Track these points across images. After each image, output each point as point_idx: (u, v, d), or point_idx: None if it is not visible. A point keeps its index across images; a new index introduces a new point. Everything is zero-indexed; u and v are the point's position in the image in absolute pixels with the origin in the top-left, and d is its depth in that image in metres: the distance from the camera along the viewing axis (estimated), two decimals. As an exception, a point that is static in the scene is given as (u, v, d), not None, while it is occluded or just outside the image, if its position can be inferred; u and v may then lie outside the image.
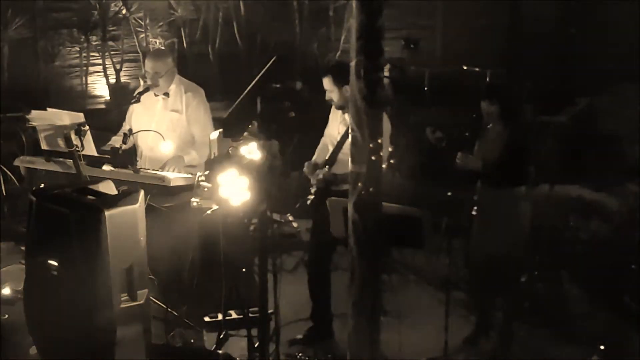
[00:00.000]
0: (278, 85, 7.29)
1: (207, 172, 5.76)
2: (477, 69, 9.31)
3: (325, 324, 6.38)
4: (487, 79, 8.99)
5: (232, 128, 5.71)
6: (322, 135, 6.56)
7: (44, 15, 10.72)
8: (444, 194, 6.53)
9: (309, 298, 6.41)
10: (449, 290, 5.83)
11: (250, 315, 5.53)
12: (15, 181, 6.63)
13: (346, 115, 6.25)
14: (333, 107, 6.43)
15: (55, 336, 4.88)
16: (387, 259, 5.55)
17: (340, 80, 5.95)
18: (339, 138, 6.27)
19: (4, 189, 6.87)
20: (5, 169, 6.48)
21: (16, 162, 6.44)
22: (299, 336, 6.34)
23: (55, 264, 4.75)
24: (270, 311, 5.21)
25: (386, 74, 9.19)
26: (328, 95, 6.21)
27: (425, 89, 9.94)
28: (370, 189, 4.31)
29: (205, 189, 5.63)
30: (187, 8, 10.93)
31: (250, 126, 5.31)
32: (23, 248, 5.75)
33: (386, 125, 5.58)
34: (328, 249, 6.25)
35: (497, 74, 8.97)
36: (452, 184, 6.35)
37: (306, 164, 6.37)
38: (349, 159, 4.42)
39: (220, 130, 5.88)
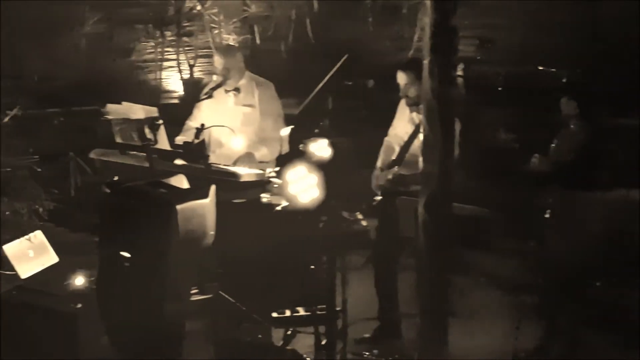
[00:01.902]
0: (350, 83, 7.28)
1: (277, 169, 5.77)
2: (553, 69, 9.17)
3: (393, 323, 6.35)
4: (564, 80, 8.86)
5: (303, 125, 5.72)
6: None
7: (120, 10, 10.85)
8: (516, 196, 6.46)
9: (377, 297, 6.40)
10: (518, 294, 5.77)
11: (318, 312, 5.53)
12: (90, 173, 6.71)
13: (414, 114, 6.22)
14: (400, 107, 6.40)
15: (126, 327, 4.94)
16: (456, 260, 5.50)
17: (419, 74, 5.93)
18: (406, 138, 6.24)
19: (79, 181, 6.97)
20: (80, 161, 6.58)
21: (91, 155, 6.53)
22: (367, 335, 6.33)
23: (127, 255, 4.80)
24: (338, 309, 5.21)
25: (459, 73, 9.12)
26: (404, 91, 6.17)
27: (500, 88, 9.83)
28: (441, 189, 4.29)
29: (275, 185, 5.64)
30: (260, 5, 10.98)
31: (321, 123, 5.31)
32: (96, 239, 5.83)
33: (457, 124, 5.54)
34: (396, 249, 6.23)
35: (574, 74, 8.84)
36: (524, 185, 6.28)
37: (372, 175, 6.36)
38: (419, 159, 4.40)
39: (292, 126, 5.89)
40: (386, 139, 6.55)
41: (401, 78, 6.21)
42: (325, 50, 10.80)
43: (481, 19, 11.28)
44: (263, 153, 6.44)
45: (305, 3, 10.97)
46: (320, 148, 5.04)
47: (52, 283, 5.84)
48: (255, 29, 10.95)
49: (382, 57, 11.18)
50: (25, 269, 5.93)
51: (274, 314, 6.23)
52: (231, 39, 10.68)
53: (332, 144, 4.99)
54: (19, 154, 6.65)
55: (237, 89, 6.58)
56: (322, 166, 4.97)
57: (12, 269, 5.99)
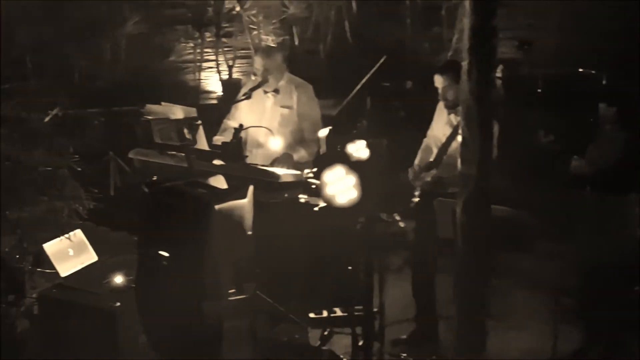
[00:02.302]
0: (388, 84, 7.27)
1: (315, 169, 5.77)
2: (593, 71, 9.11)
3: (430, 325, 6.34)
4: (604, 82, 8.79)
5: (341, 126, 5.72)
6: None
7: (160, 11, 10.92)
8: (554, 198, 6.42)
9: (414, 298, 6.39)
10: (557, 296, 5.73)
11: (355, 313, 5.53)
12: (129, 173, 6.76)
13: (452, 116, 6.20)
14: (438, 108, 6.39)
15: (164, 325, 4.97)
16: (494, 261, 5.48)
17: (458, 77, 5.92)
18: (444, 140, 6.22)
19: (119, 181, 7.02)
20: (120, 161, 6.63)
21: (130, 154, 6.57)
22: (404, 336, 6.32)
23: (166, 254, 4.83)
24: (375, 310, 5.21)
25: (498, 74, 9.09)
26: (442, 94, 6.16)
27: (539, 90, 9.77)
28: (479, 191, 4.27)
29: (313, 186, 5.65)
30: (299, 6, 11.00)
31: (359, 124, 5.31)
32: (135, 238, 5.87)
33: (495, 126, 5.52)
34: (433, 250, 6.21)
35: (614, 76, 8.76)
36: (562, 188, 6.24)
37: (410, 170, 6.35)
38: (458, 161, 4.39)
39: (330, 127, 5.89)
40: (425, 139, 6.54)
41: (438, 81, 6.20)
42: (364, 52, 10.81)
43: (521, 20, 11.24)
44: (301, 155, 6.45)
45: (344, 4, 10.98)
46: (358, 149, 5.03)
47: (92, 281, 5.89)
48: (294, 30, 10.97)
49: (421, 58, 11.17)
50: (65, 268, 5.99)
51: (312, 315, 6.25)
52: (270, 40, 10.71)
53: (370, 145, 4.99)
54: (59, 153, 6.69)
55: (276, 90, 6.60)
56: (360, 167, 4.96)
57: (52, 267, 6.05)
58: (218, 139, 6.44)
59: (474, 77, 4.18)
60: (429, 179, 6.16)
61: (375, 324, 5.30)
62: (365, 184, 4.89)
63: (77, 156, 6.60)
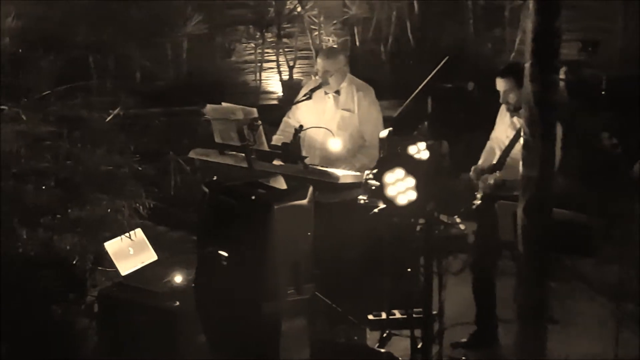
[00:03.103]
0: (449, 86, 7.21)
1: (375, 170, 5.75)
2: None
3: (489, 328, 6.28)
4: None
5: (401, 127, 5.68)
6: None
7: (221, 11, 10.97)
8: (618, 202, 6.31)
9: (474, 301, 6.34)
10: (619, 302, 5.64)
11: (414, 315, 5.49)
12: (189, 172, 6.81)
13: (515, 119, 6.13)
14: (501, 110, 6.32)
15: (223, 325, 4.99)
16: (555, 265, 5.41)
17: (520, 80, 5.84)
18: (507, 142, 6.15)
19: (179, 180, 7.07)
20: (180, 161, 6.67)
21: (190, 154, 6.61)
22: (463, 340, 6.27)
23: (225, 254, 4.84)
24: (434, 312, 5.17)
25: (562, 76, 8.97)
26: (504, 97, 6.10)
27: (603, 92, 9.63)
28: (541, 194, 4.22)
29: (373, 187, 5.62)
30: (361, 6, 10.97)
31: (420, 126, 5.27)
32: (195, 238, 5.90)
33: (558, 129, 5.45)
34: (494, 253, 6.15)
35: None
36: (626, 191, 6.14)
37: (473, 168, 6.29)
38: (520, 164, 4.34)
39: (390, 128, 5.86)
40: (488, 142, 6.48)
41: (500, 85, 6.13)
42: (425, 52, 10.76)
43: (585, 21, 11.09)
44: (362, 162, 6.40)
45: (406, 5, 10.93)
46: (419, 150, 5.00)
47: (151, 280, 5.93)
48: (355, 30, 10.95)
49: (483, 60, 11.08)
50: (125, 266, 6.03)
51: (370, 316, 6.21)
52: (331, 41, 10.71)
53: (431, 147, 4.95)
54: (120, 152, 6.75)
55: (337, 92, 6.59)
56: (420, 169, 4.93)
57: (112, 265, 6.11)
58: (278, 139, 6.44)
59: (536, 79, 4.13)
60: (491, 181, 6.10)
61: (434, 326, 5.27)
62: (425, 186, 4.85)
63: (137, 155, 6.66)
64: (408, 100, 5.84)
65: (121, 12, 9.94)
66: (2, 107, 6.62)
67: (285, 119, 6.82)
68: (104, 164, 6.57)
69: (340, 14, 10.92)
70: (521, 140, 4.43)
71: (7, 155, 6.26)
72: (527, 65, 4.17)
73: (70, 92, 6.88)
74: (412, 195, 4.90)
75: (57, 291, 6.10)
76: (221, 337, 5.07)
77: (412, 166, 4.94)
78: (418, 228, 5.10)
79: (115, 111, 6.98)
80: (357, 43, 10.98)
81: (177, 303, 5.60)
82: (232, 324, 4.89)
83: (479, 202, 6.12)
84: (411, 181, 4.90)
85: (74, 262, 6.25)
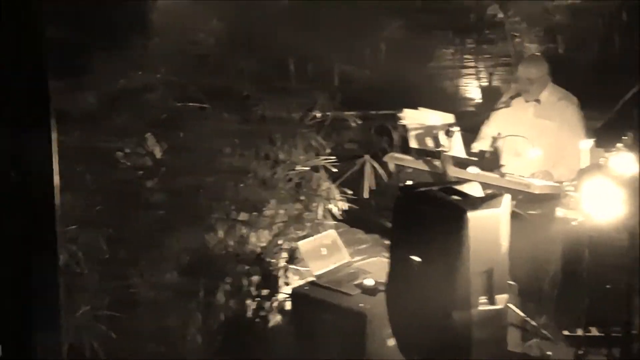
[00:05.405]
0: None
1: (575, 182, 5.59)
2: None
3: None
4: None
5: (605, 138, 5.51)
6: None
7: (420, 16, 10.95)
8: None
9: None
10: None
11: (613, 334, 5.30)
12: (384, 176, 6.82)
13: None
14: None
15: (413, 330, 4.96)
16: None
17: None
18: None
19: (373, 183, 7.10)
20: (375, 164, 6.69)
21: (385, 158, 6.63)
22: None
23: (418, 260, 4.81)
24: (634, 332, 4.97)
25: None
26: None
27: None
28: None
29: (572, 199, 5.47)
30: (565, 14, 10.69)
31: (624, 137, 5.09)
32: (387, 242, 5.90)
33: None
34: None
35: None
36: None
37: None
38: None
39: (593, 139, 5.69)
40: None
41: None
42: (633, 62, 10.35)
43: None
44: (561, 173, 6.23)
45: (614, 13, 10.57)
46: (623, 163, 4.82)
47: (343, 282, 5.97)
48: (559, 38, 10.68)
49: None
50: (318, 266, 6.10)
51: (565, 332, 6.04)
52: (533, 48, 10.49)
53: (638, 160, 4.76)
54: (316, 153, 6.85)
55: (537, 100, 6.45)
56: (624, 182, 4.75)
57: (305, 265, 6.19)
58: (476, 147, 6.37)
59: None
60: None
61: (634, 346, 5.06)
62: (630, 200, 4.67)
63: (333, 157, 6.73)
64: (614, 111, 5.64)
65: (322, 16, 10.08)
66: (205, 105, 6.83)
67: (483, 127, 6.74)
68: (301, 163, 6.68)
69: (544, 21, 10.67)
70: None
71: (209, 152, 6.45)
72: None
73: (268, 92, 7.02)
74: (615, 209, 4.73)
75: (251, 287, 6.25)
76: (411, 342, 5.04)
77: (615, 179, 4.77)
78: (620, 244, 4.91)
79: (313, 113, 7.08)
80: (560, 51, 10.71)
81: (368, 306, 5.62)
82: (423, 329, 4.86)
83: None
84: (614, 194, 4.74)
85: (268, 259, 6.38)
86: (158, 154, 6.24)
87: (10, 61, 2.07)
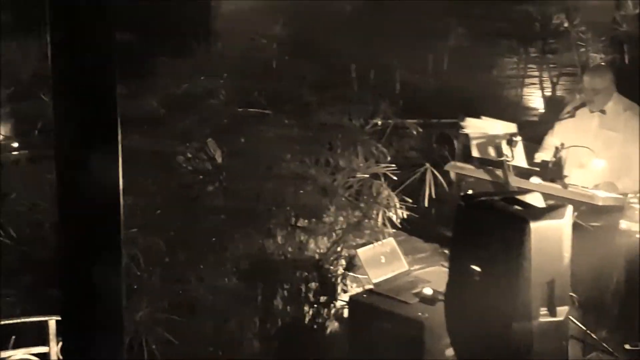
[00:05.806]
0: None
1: (639, 194, 5.52)
2: None
3: None
4: None
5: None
6: None
7: (484, 24, 10.90)
8: None
9: None
10: None
11: (675, 349, 5.21)
12: (445, 185, 6.80)
13: None
14: None
15: (472, 341, 4.93)
16: None
17: None
18: None
19: (433, 192, 7.06)
20: (436, 173, 6.67)
21: (447, 167, 6.60)
22: None
23: (478, 269, 4.78)
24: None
25: None
26: None
27: None
28: None
29: (636, 212, 5.39)
30: (632, 23, 10.55)
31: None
32: (446, 251, 5.87)
33: None
34: None
35: None
36: None
37: None
38: None
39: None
40: None
41: None
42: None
43: None
44: (626, 185, 6.14)
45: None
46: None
47: (401, 290, 5.95)
48: (625, 48, 10.54)
49: None
50: (376, 274, 6.08)
51: (627, 346, 5.95)
52: (599, 58, 10.37)
53: None
54: (376, 160, 6.83)
55: (602, 111, 6.38)
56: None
57: (364, 272, 6.19)
58: (539, 157, 6.33)
59: None
60: None
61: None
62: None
63: (393, 165, 6.71)
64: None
65: (385, 23, 10.09)
66: (266, 111, 6.86)
67: (546, 137, 6.68)
68: (361, 171, 6.68)
69: (610, 31, 10.55)
70: None
71: (269, 158, 6.48)
72: None
73: (331, 99, 7.04)
74: (681, 223, 4.65)
75: (308, 294, 6.26)
76: (470, 352, 5.01)
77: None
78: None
79: (374, 120, 7.07)
80: (627, 61, 10.57)
81: (426, 315, 5.59)
82: (482, 340, 4.82)
83: None
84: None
85: (327, 266, 6.38)
86: (219, 158, 6.28)
87: (80, 65, 2.09)
